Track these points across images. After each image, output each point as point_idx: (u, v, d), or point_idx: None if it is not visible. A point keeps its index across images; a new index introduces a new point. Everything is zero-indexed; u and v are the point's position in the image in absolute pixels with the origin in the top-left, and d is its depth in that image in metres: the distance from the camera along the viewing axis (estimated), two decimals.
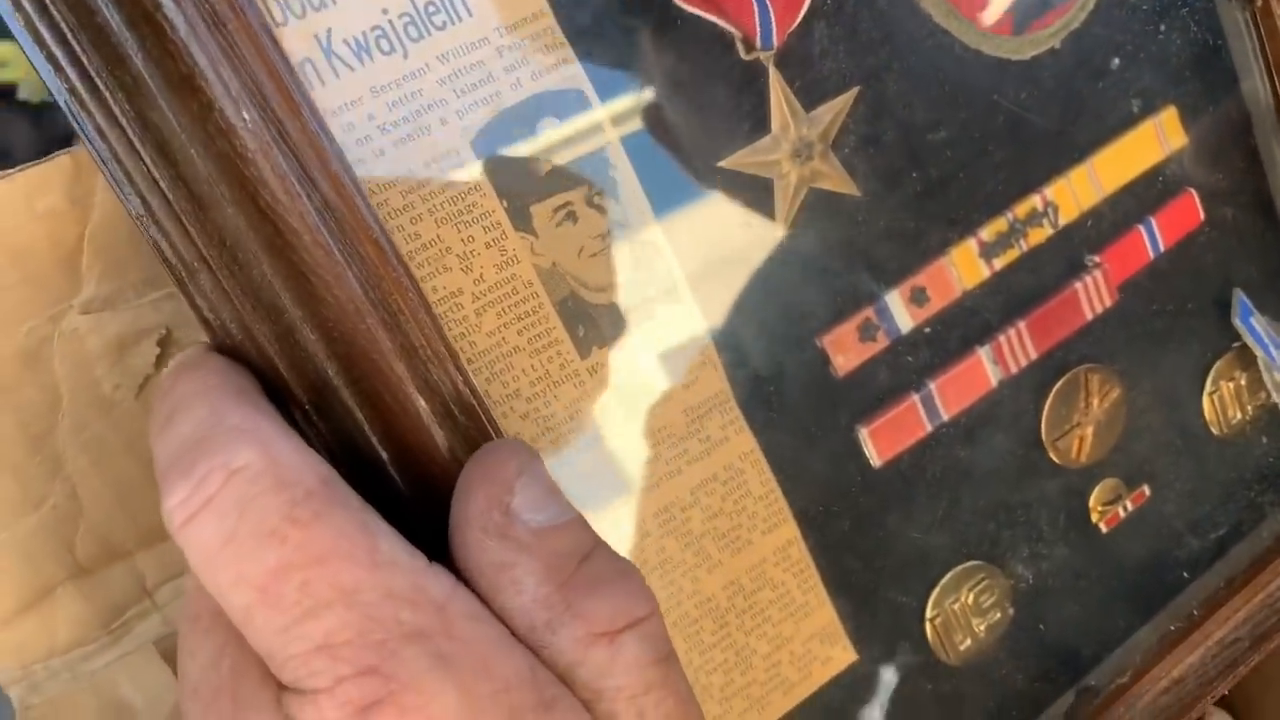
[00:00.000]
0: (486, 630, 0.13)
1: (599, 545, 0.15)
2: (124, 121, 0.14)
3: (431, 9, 0.17)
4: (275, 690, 0.13)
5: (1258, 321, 0.25)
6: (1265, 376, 0.25)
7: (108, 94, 0.14)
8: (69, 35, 0.14)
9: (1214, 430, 0.26)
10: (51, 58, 0.14)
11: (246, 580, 0.13)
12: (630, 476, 0.19)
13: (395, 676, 0.13)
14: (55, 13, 0.13)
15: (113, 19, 0.13)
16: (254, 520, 0.13)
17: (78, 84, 0.14)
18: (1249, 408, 0.26)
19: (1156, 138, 0.24)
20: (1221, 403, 0.26)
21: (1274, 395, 0.26)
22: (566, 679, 0.14)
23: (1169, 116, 0.24)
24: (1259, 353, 0.25)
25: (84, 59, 0.14)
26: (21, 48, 0.14)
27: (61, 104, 0.15)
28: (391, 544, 0.13)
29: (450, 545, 0.14)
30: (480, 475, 0.15)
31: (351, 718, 0.13)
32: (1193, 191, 0.24)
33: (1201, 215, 0.24)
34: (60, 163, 0.20)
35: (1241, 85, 0.25)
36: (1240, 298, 0.25)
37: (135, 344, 0.23)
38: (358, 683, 0.13)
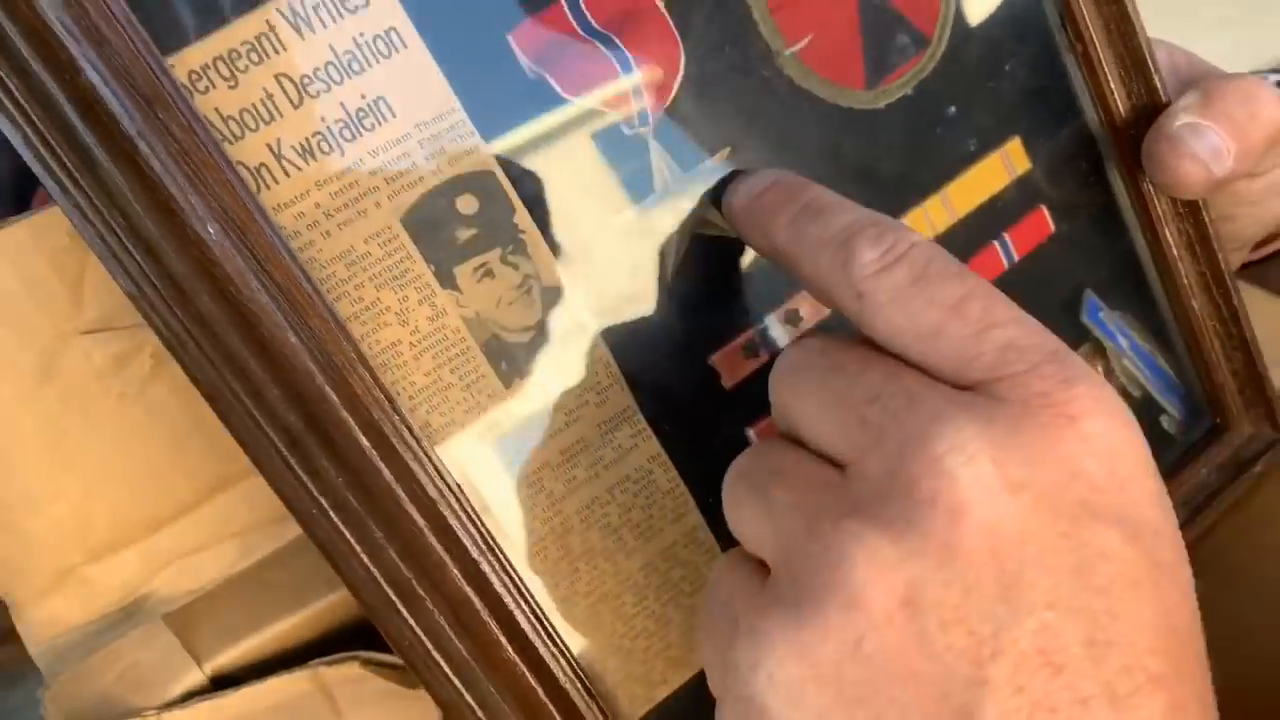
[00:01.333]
0: None
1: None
2: (119, 232, 0.18)
3: (362, 114, 0.21)
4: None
5: (1106, 316, 0.29)
6: (1114, 364, 0.29)
7: (104, 212, 0.18)
8: (73, 172, 0.17)
9: None
10: (59, 183, 0.18)
11: (938, 303, 0.18)
12: (554, 482, 0.23)
13: (1073, 368, 0.17)
14: (64, 160, 0.17)
15: (103, 159, 0.17)
16: (939, 268, 0.18)
17: (81, 203, 0.18)
18: None
19: (1003, 165, 0.27)
20: None
21: (1122, 379, 0.30)
22: None
23: (1014, 146, 0.27)
24: (1108, 344, 0.29)
25: (86, 190, 0.17)
26: (37, 176, 0.18)
27: (68, 214, 0.18)
28: None
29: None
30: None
31: (1056, 387, 0.16)
32: (1043, 207, 0.28)
33: (1052, 227, 0.28)
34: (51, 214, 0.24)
35: (1085, 115, 0.28)
36: (1089, 297, 0.29)
37: (134, 357, 0.27)
38: (1049, 366, 0.17)
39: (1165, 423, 0.31)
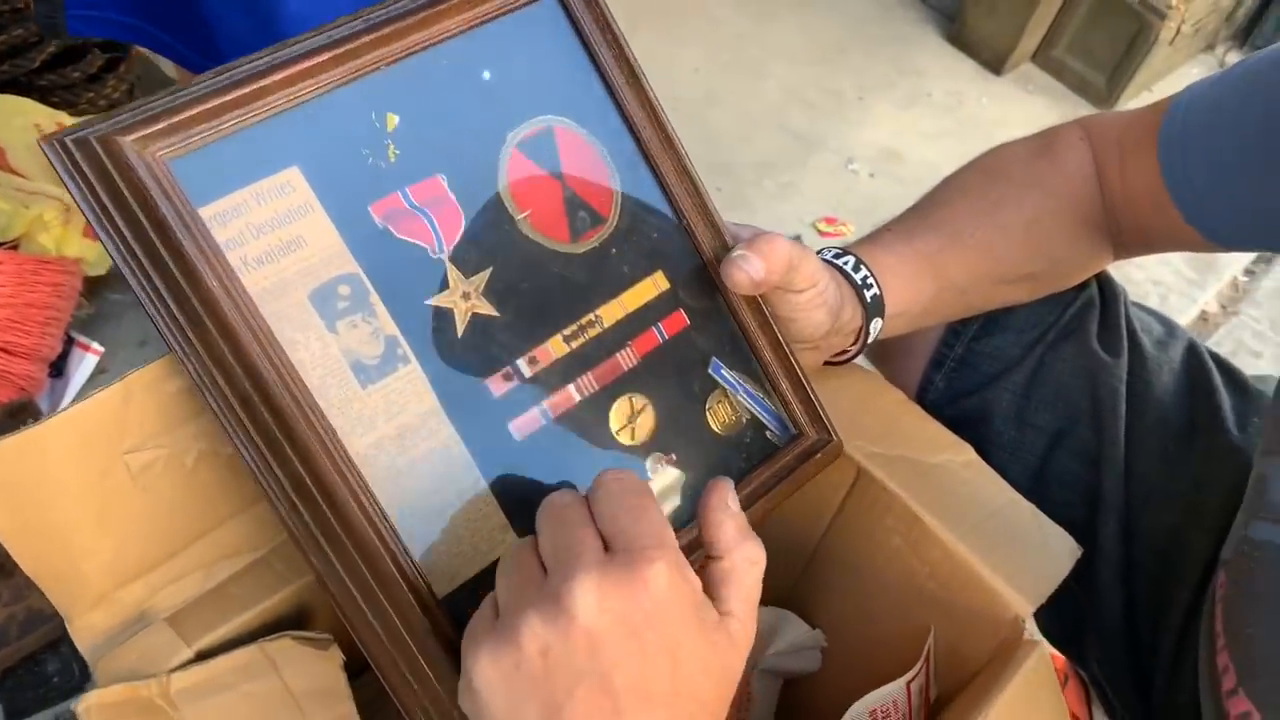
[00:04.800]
0: None
1: None
2: (170, 307, 0.36)
3: (291, 244, 0.40)
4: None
5: (726, 373, 0.50)
6: (734, 400, 0.50)
7: (160, 295, 0.36)
8: (149, 272, 0.36)
9: (715, 428, 0.49)
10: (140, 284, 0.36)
11: (624, 507, 0.36)
12: (392, 446, 0.41)
13: (660, 550, 0.35)
14: (145, 267, 0.36)
15: (167, 258, 0.36)
16: (641, 492, 0.37)
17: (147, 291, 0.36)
18: (733, 415, 0.50)
19: (653, 285, 0.49)
20: (716, 413, 0.50)
21: (741, 410, 0.50)
22: None
23: (659, 275, 0.49)
24: (728, 389, 0.50)
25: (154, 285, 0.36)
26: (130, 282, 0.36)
27: (145, 304, 0.36)
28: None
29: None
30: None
31: (642, 560, 0.34)
32: (681, 310, 0.49)
33: (687, 320, 0.49)
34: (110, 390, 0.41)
35: (696, 257, 0.50)
36: (714, 360, 0.50)
37: (153, 465, 0.43)
38: (655, 550, 0.34)
39: (769, 435, 0.51)
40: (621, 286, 0.48)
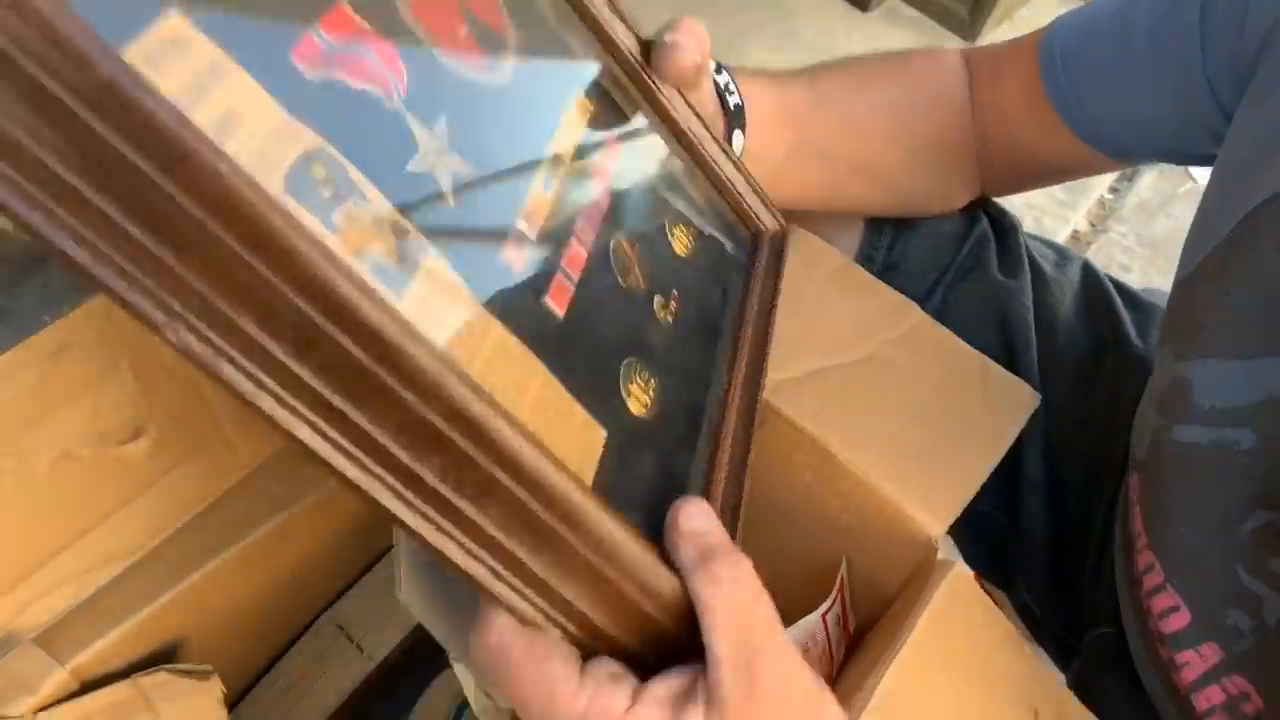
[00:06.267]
0: None
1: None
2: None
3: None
4: None
5: (670, 194, 0.44)
6: (688, 225, 0.45)
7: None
8: None
9: (681, 254, 0.44)
10: None
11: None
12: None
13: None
14: None
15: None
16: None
17: None
18: (693, 238, 0.45)
19: (583, 111, 0.41)
20: (678, 239, 0.44)
21: (697, 230, 0.45)
22: None
23: (582, 99, 0.41)
24: (680, 209, 0.45)
25: None
26: None
27: None
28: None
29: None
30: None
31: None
32: (614, 131, 0.42)
33: (620, 144, 0.43)
34: None
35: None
36: (657, 181, 0.44)
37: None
38: None
39: (728, 250, 0.47)
40: (556, 115, 0.40)
